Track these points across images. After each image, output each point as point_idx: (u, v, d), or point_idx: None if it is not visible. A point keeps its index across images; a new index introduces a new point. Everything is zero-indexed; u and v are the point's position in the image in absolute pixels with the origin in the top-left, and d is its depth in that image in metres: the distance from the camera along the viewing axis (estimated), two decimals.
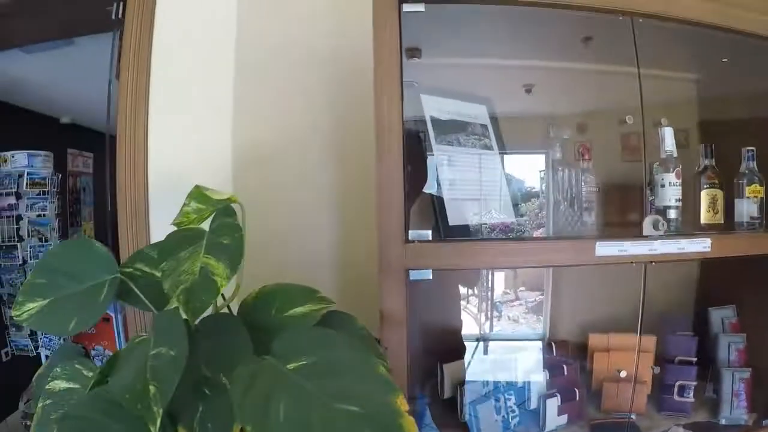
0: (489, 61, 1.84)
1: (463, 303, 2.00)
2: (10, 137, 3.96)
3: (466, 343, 1.86)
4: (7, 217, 3.58)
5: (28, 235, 3.59)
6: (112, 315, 4.45)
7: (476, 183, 1.57)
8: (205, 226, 1.23)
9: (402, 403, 0.84)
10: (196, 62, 1.68)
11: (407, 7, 1.36)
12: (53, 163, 3.86)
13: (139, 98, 1.68)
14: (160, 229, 1.63)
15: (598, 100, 1.89)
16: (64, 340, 3.82)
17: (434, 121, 1.48)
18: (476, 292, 2.05)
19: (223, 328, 1.05)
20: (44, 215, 3.66)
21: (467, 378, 1.73)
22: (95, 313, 1.13)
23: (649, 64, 1.61)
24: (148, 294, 1.17)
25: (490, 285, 2.07)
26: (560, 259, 1.47)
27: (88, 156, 5.18)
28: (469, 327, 1.98)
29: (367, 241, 1.73)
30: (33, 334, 3.62)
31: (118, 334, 4.39)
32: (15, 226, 3.58)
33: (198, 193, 1.25)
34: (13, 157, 3.62)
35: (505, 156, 1.68)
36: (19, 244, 3.56)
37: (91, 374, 1.13)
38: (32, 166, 3.62)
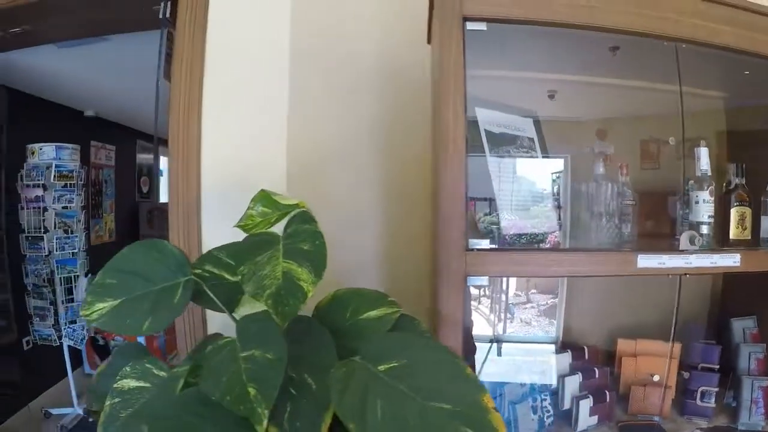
0: (517, 73, 1.84)
1: (474, 303, 2.00)
2: (35, 129, 3.95)
3: (483, 344, 1.86)
4: (35, 208, 3.56)
5: (54, 227, 3.57)
6: None
7: (526, 194, 1.57)
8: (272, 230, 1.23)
9: (489, 401, 0.87)
10: (250, 63, 1.67)
11: (470, 26, 1.36)
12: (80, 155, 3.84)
13: (193, 99, 1.66)
14: (212, 229, 1.62)
15: (619, 107, 1.90)
16: (88, 332, 3.82)
17: (488, 133, 1.48)
18: (488, 293, 2.05)
19: (305, 331, 1.05)
20: (70, 207, 3.64)
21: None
22: (171, 314, 1.12)
23: (675, 78, 1.61)
24: (217, 296, 1.16)
25: (504, 287, 2.07)
26: (604, 270, 1.47)
27: (111, 149, 5.20)
28: (483, 328, 1.98)
29: (412, 241, 1.73)
30: (56, 324, 3.60)
31: None
32: (41, 218, 3.55)
33: (264, 197, 1.24)
34: (41, 149, 3.59)
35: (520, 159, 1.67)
36: (45, 236, 3.54)
37: (162, 373, 1.12)
38: (60, 158, 3.60)
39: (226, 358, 0.95)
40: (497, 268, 1.39)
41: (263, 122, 1.64)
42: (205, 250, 1.51)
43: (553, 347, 2.00)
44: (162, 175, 6.45)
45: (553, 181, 1.72)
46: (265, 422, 0.83)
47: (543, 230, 1.57)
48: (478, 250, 1.33)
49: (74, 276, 3.69)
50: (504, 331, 2.03)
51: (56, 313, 3.62)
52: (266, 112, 1.64)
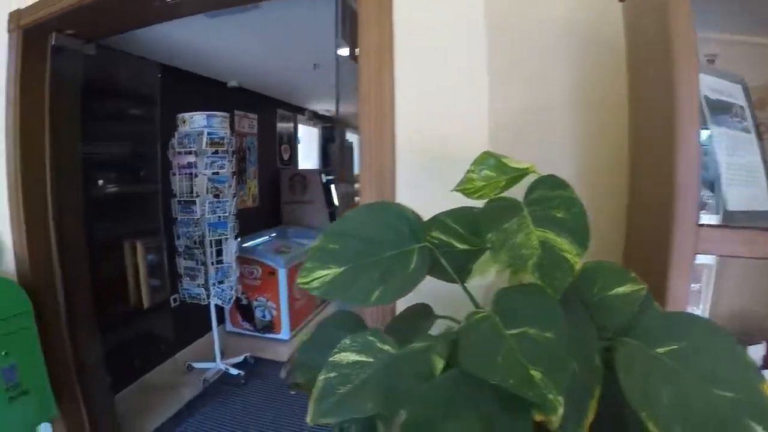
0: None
1: None
2: (182, 100, 4.08)
3: None
4: (186, 174, 3.67)
5: (206, 192, 3.66)
6: (278, 269, 4.59)
7: (742, 167, 1.41)
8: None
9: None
10: (442, 29, 1.56)
11: None
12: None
13: (384, 64, 1.59)
14: (406, 192, 1.56)
15: None
16: (235, 292, 3.94)
17: (707, 100, 1.34)
18: None
19: (563, 306, 0.95)
20: (221, 173, 3.72)
21: None
22: (405, 285, 1.00)
23: None
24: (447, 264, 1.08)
25: None
26: None
27: (253, 117, 5.34)
28: None
29: (604, 215, 1.62)
30: (205, 284, 3.72)
31: (282, 286, 4.52)
32: (192, 183, 3.66)
33: (489, 158, 1.13)
34: (192, 118, 3.68)
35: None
36: (197, 200, 3.63)
37: (387, 347, 1.02)
38: (211, 126, 3.66)
39: (488, 336, 0.85)
40: (727, 246, 1.24)
41: (459, 90, 1.53)
42: None
43: None
44: (299, 143, 6.63)
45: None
46: (560, 410, 0.71)
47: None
48: (709, 225, 1.21)
49: (224, 239, 3.80)
50: None
51: (206, 274, 3.75)
52: (460, 80, 1.53)
